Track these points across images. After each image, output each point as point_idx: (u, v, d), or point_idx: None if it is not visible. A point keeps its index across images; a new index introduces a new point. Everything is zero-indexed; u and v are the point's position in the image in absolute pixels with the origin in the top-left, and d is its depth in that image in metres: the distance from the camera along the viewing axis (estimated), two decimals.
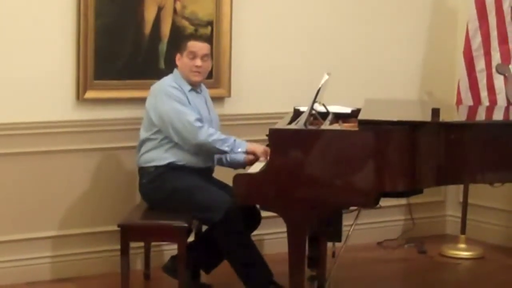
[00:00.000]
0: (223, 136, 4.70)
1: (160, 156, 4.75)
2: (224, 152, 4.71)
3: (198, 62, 4.82)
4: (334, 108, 4.81)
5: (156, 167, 4.75)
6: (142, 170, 4.83)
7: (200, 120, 4.70)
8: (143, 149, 4.81)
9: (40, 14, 4.97)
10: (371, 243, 6.04)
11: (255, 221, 4.83)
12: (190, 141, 4.68)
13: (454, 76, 6.21)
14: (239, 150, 4.69)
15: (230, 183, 4.25)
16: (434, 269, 5.65)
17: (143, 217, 4.71)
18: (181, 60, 4.83)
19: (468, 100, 5.90)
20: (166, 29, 5.30)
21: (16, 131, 4.97)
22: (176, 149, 4.74)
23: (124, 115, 5.19)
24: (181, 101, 4.71)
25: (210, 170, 4.92)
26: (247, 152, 4.69)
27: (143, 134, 4.82)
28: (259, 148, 4.67)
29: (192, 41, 4.87)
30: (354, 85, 5.87)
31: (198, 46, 4.84)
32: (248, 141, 4.81)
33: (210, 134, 4.67)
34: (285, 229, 4.15)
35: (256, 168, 4.38)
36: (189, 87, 4.81)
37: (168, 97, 4.70)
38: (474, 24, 5.87)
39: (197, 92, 4.86)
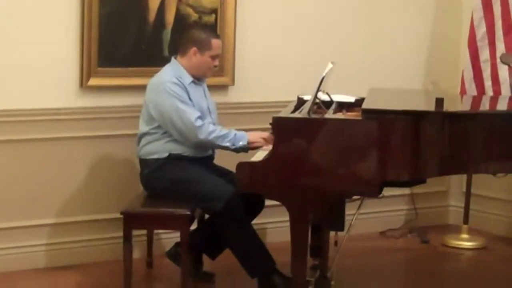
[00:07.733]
0: (223, 132, 4.68)
1: (161, 149, 4.73)
2: (226, 148, 4.70)
3: (217, 62, 4.84)
4: (338, 97, 4.81)
5: (157, 159, 4.74)
6: (143, 162, 4.82)
7: (200, 117, 4.68)
8: (143, 141, 4.79)
9: (45, 1, 4.96)
10: (374, 233, 6.04)
11: (259, 206, 4.83)
12: (190, 139, 4.67)
13: (458, 66, 6.21)
14: (240, 143, 4.66)
15: (232, 169, 4.25)
16: (437, 259, 5.65)
17: (146, 205, 4.71)
18: (200, 57, 4.77)
19: (472, 90, 5.89)
20: (170, 16, 5.29)
21: (19, 117, 4.97)
22: (176, 140, 4.72)
23: (127, 102, 5.18)
24: (182, 99, 4.67)
25: (210, 158, 4.91)
26: (248, 144, 4.67)
27: (143, 128, 4.79)
28: (261, 136, 4.65)
29: (214, 39, 4.80)
30: (358, 74, 5.85)
31: (220, 47, 4.86)
32: (250, 130, 4.80)
33: (210, 132, 4.65)
34: (287, 218, 4.15)
35: (259, 156, 4.38)
36: (190, 79, 4.77)
37: (169, 95, 4.66)
38: (479, 13, 5.86)
39: (196, 84, 4.82)
